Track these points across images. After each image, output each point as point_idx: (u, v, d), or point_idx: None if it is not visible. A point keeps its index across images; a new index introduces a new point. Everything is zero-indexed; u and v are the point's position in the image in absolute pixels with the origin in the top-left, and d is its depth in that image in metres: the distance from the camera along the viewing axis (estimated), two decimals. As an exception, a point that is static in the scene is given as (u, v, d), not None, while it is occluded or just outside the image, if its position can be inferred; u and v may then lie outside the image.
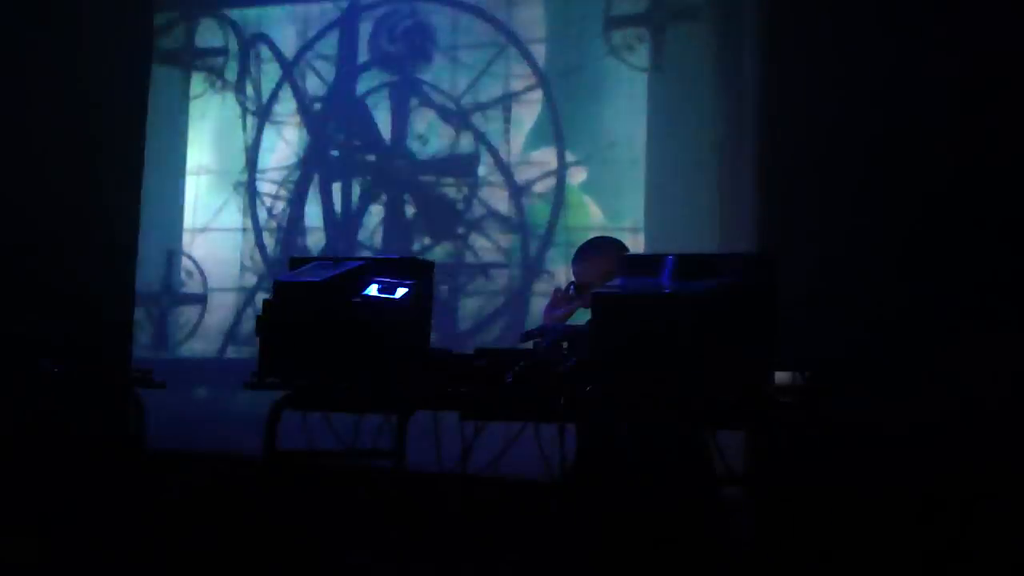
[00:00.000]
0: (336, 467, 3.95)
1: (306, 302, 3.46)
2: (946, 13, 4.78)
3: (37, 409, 5.50)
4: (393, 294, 3.52)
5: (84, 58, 5.76)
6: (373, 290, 3.50)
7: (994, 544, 4.38)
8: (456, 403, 3.32)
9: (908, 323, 4.69)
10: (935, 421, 4.54)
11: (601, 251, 4.18)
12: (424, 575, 4.95)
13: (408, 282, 3.55)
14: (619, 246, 4.32)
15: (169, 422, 6.61)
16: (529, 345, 3.59)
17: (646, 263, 3.14)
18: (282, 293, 3.53)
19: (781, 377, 3.07)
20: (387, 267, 3.65)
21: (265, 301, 3.57)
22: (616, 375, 2.96)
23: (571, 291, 4.10)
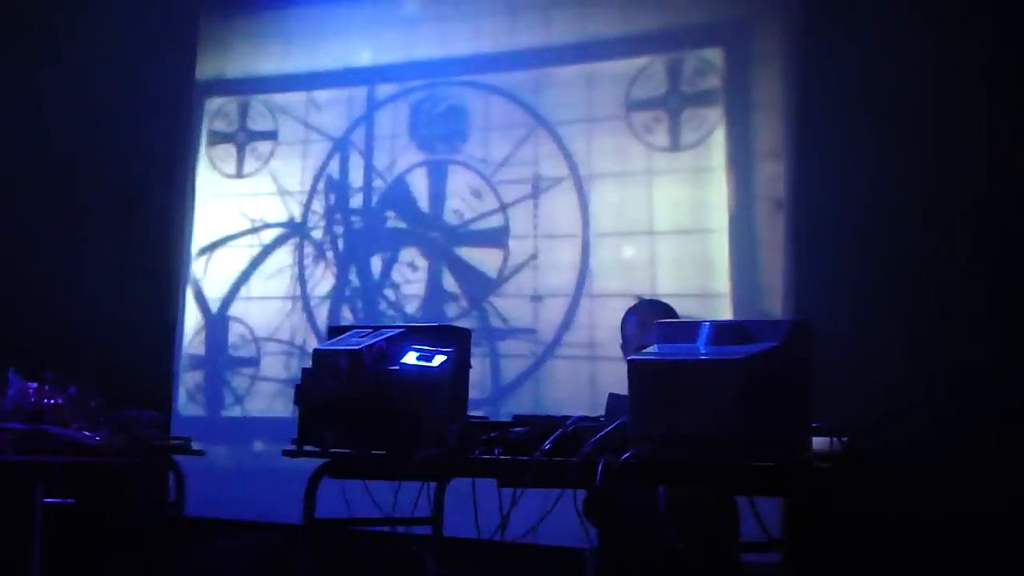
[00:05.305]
0: (374, 534, 3.95)
1: (344, 370, 3.47)
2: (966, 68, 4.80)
3: (78, 477, 5.55)
4: (431, 361, 3.52)
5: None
6: (411, 358, 3.50)
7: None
8: (494, 470, 3.33)
9: (945, 388, 4.68)
10: (973, 488, 4.51)
11: (656, 314, 4.18)
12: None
13: (446, 349, 3.55)
14: (671, 311, 4.36)
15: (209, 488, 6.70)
16: None
17: (682, 329, 3.14)
18: (320, 361, 3.54)
19: (819, 443, 3.06)
20: (425, 334, 3.64)
21: (304, 369, 3.58)
22: (653, 441, 2.95)
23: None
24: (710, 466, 2.90)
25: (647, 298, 4.55)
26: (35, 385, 5.06)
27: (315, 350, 3.62)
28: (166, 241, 7.26)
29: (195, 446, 5.33)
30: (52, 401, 5.06)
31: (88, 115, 7.12)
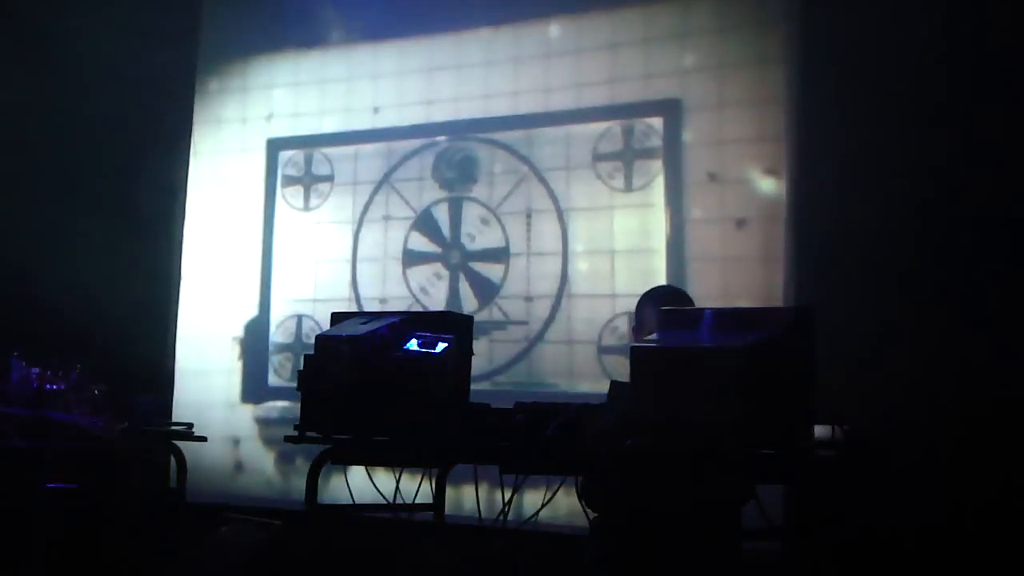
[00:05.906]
0: (376, 520, 3.95)
1: (347, 356, 3.44)
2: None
3: (80, 462, 5.56)
4: (433, 348, 3.48)
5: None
6: (413, 344, 3.47)
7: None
8: (496, 457, 3.32)
9: (947, 377, 4.69)
10: (973, 477, 4.52)
11: (674, 300, 4.19)
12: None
13: (448, 336, 3.52)
14: (687, 298, 4.36)
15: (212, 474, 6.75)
16: None
17: (685, 316, 3.13)
18: (323, 347, 3.51)
19: (820, 431, 3.06)
20: (427, 321, 3.62)
21: (306, 356, 3.55)
22: (655, 428, 2.95)
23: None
24: (711, 453, 2.90)
25: (664, 284, 4.65)
26: (37, 371, 5.06)
27: (318, 336, 3.57)
28: (163, 230, 7.28)
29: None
30: (54, 387, 5.06)
31: (86, 107, 7.12)
